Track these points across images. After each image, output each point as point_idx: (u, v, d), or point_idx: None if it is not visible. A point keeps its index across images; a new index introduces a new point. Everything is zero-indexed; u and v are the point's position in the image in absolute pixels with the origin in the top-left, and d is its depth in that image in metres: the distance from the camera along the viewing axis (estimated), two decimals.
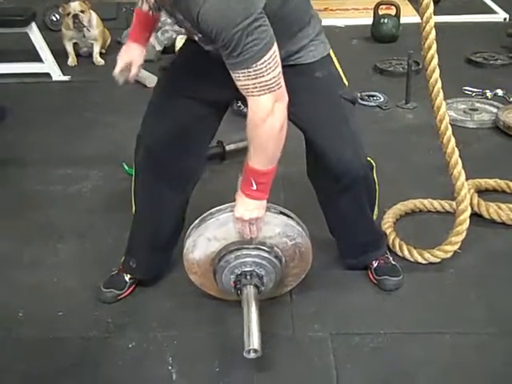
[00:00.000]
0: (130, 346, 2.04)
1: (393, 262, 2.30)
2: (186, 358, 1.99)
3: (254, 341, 1.80)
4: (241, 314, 1.90)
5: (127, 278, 2.25)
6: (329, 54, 1.98)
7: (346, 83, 2.05)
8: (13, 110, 3.76)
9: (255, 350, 1.79)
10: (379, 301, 2.21)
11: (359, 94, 3.77)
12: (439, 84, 2.14)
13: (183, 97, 1.98)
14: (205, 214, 2.02)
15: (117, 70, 2.00)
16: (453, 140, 2.21)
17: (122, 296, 2.23)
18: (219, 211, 1.99)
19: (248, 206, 1.87)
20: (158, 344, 2.04)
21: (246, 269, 1.97)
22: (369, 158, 2.10)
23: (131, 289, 2.26)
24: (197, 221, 2.03)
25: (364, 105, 3.74)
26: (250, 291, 1.95)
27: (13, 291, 2.31)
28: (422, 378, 1.91)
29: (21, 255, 2.50)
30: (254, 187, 1.83)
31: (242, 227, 1.92)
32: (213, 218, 1.98)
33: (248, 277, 1.97)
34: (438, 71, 2.12)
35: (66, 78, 4.34)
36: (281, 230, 2.00)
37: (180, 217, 2.22)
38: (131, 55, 2.00)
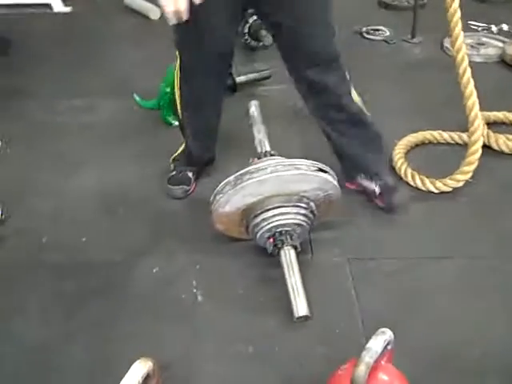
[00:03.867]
0: (155, 270, 2.09)
1: (389, 184, 2.33)
2: (210, 282, 2.05)
3: (300, 308, 1.84)
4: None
5: (190, 174, 2.43)
6: None
7: None
8: (16, 41, 3.71)
9: (305, 317, 1.84)
10: (393, 229, 2.27)
11: (365, 29, 3.75)
12: (458, 14, 2.16)
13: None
14: (243, 171, 1.97)
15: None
16: (469, 70, 2.24)
17: (190, 191, 2.42)
18: (258, 171, 1.96)
19: None
20: (181, 268, 2.10)
21: (286, 228, 1.99)
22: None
23: (194, 185, 2.45)
24: (232, 177, 1.98)
25: (370, 39, 3.73)
26: (290, 253, 1.97)
27: (33, 218, 2.34)
28: (436, 296, 1.99)
29: (36, 183, 2.52)
30: None
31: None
32: (252, 179, 1.95)
33: (288, 238, 1.98)
34: (457, 0, 2.13)
35: (68, 9, 4.29)
36: (317, 185, 2.02)
37: (222, 102, 2.34)
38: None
